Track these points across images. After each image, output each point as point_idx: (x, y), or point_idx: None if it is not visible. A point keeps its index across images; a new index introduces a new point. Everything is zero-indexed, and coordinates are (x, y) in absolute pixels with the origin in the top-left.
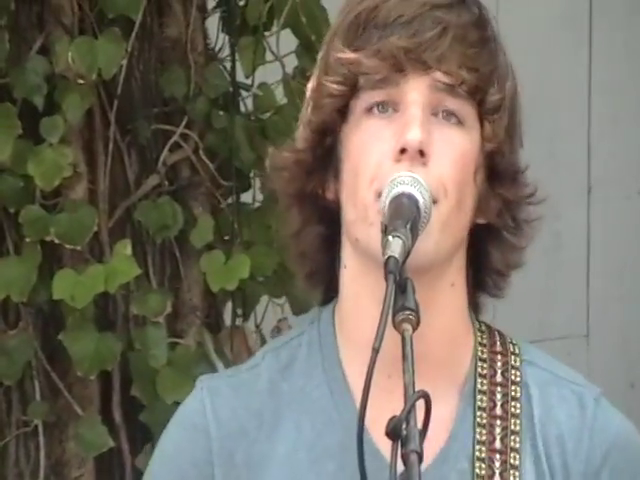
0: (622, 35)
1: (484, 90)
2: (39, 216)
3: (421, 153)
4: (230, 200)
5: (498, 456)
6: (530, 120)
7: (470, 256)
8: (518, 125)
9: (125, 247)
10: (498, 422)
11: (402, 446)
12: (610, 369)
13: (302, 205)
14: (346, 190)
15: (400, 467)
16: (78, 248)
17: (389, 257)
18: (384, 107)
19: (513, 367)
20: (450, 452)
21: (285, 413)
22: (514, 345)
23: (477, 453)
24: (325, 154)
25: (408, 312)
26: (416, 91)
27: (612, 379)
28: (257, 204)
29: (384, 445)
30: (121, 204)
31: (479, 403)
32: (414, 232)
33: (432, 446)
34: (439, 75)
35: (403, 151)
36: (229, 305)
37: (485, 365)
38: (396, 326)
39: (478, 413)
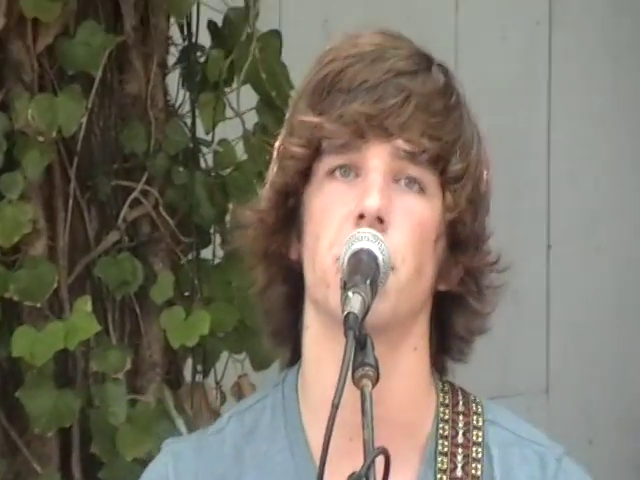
0: (580, 97)
1: (446, 159)
2: None
3: (379, 220)
4: (190, 256)
5: None
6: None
7: (434, 321)
8: (484, 193)
9: (85, 303)
10: None
11: None
12: (569, 425)
13: (267, 264)
14: (307, 252)
15: None
16: (38, 305)
17: (348, 313)
18: (346, 171)
19: (475, 427)
20: None
21: (248, 478)
22: (477, 404)
23: None
24: (288, 215)
25: (367, 368)
26: (377, 158)
27: (571, 435)
28: (217, 260)
29: None
30: (81, 260)
31: (439, 465)
32: (374, 288)
33: None
34: (401, 143)
35: (362, 217)
36: (189, 361)
37: (447, 426)
38: (355, 382)
39: (438, 475)
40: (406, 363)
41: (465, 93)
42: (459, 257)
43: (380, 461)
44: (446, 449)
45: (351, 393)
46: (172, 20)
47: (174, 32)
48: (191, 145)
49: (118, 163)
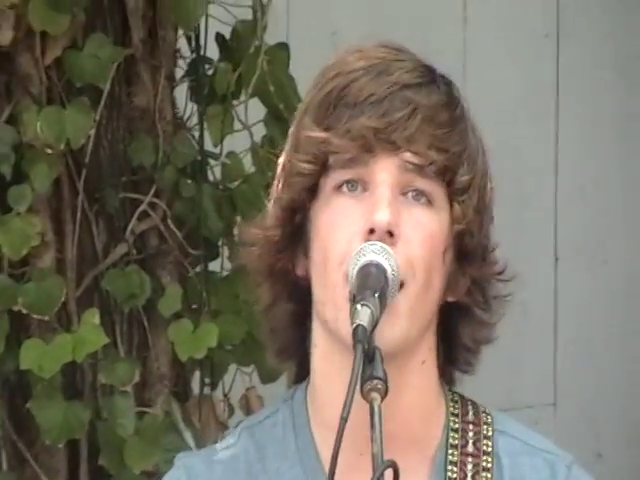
0: (587, 109)
1: (453, 171)
2: (7, 285)
3: (389, 234)
4: (198, 269)
5: None
6: (496, 188)
7: (441, 332)
8: (488, 203)
9: (93, 316)
10: None
11: None
12: (577, 438)
13: (272, 281)
14: (315, 269)
15: None
16: (46, 318)
17: (357, 326)
18: (353, 185)
19: (485, 437)
20: None
21: None
22: (487, 415)
23: None
24: (295, 231)
25: (376, 381)
26: (385, 171)
27: (579, 448)
28: (225, 273)
29: None
30: (89, 273)
31: (449, 474)
32: (382, 301)
33: None
34: (408, 155)
35: (372, 231)
36: (197, 374)
37: (457, 435)
38: (364, 395)
39: None
40: (415, 378)
41: (473, 105)
42: (466, 268)
43: (389, 474)
44: (456, 458)
45: (360, 407)
46: (180, 33)
47: (182, 45)
48: (199, 158)
49: (126, 176)
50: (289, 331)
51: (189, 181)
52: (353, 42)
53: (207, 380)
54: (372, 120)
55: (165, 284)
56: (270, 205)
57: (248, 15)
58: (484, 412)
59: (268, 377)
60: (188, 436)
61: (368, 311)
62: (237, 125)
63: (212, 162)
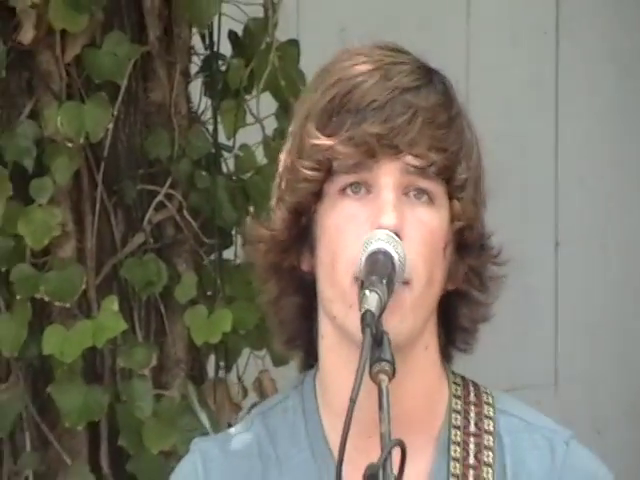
0: (585, 101)
1: (452, 169)
2: (29, 274)
3: (396, 235)
4: (213, 257)
5: None
6: (499, 178)
7: (440, 314)
8: (483, 192)
9: (112, 303)
10: (471, 472)
11: None
12: (577, 417)
13: (278, 277)
14: (322, 268)
15: None
16: (67, 305)
17: (366, 311)
18: (357, 187)
19: (487, 417)
20: None
21: (272, 477)
22: (488, 395)
23: None
24: (300, 232)
25: (384, 363)
26: (388, 175)
27: (579, 427)
28: (239, 261)
29: None
30: (108, 262)
31: (453, 454)
32: (390, 287)
33: None
34: (410, 159)
35: None
36: (212, 358)
37: (459, 417)
38: (372, 377)
39: (452, 464)
40: (419, 363)
41: (477, 98)
42: (465, 258)
43: (397, 452)
44: (459, 438)
45: (368, 392)
46: (194, 30)
47: (196, 42)
48: (213, 150)
49: (143, 168)
50: (296, 322)
51: (204, 173)
52: (361, 38)
53: (222, 364)
54: (375, 126)
55: (181, 272)
56: (274, 203)
57: (260, 13)
58: (485, 392)
59: (280, 360)
60: (204, 417)
61: (376, 297)
62: (249, 119)
63: (226, 154)
